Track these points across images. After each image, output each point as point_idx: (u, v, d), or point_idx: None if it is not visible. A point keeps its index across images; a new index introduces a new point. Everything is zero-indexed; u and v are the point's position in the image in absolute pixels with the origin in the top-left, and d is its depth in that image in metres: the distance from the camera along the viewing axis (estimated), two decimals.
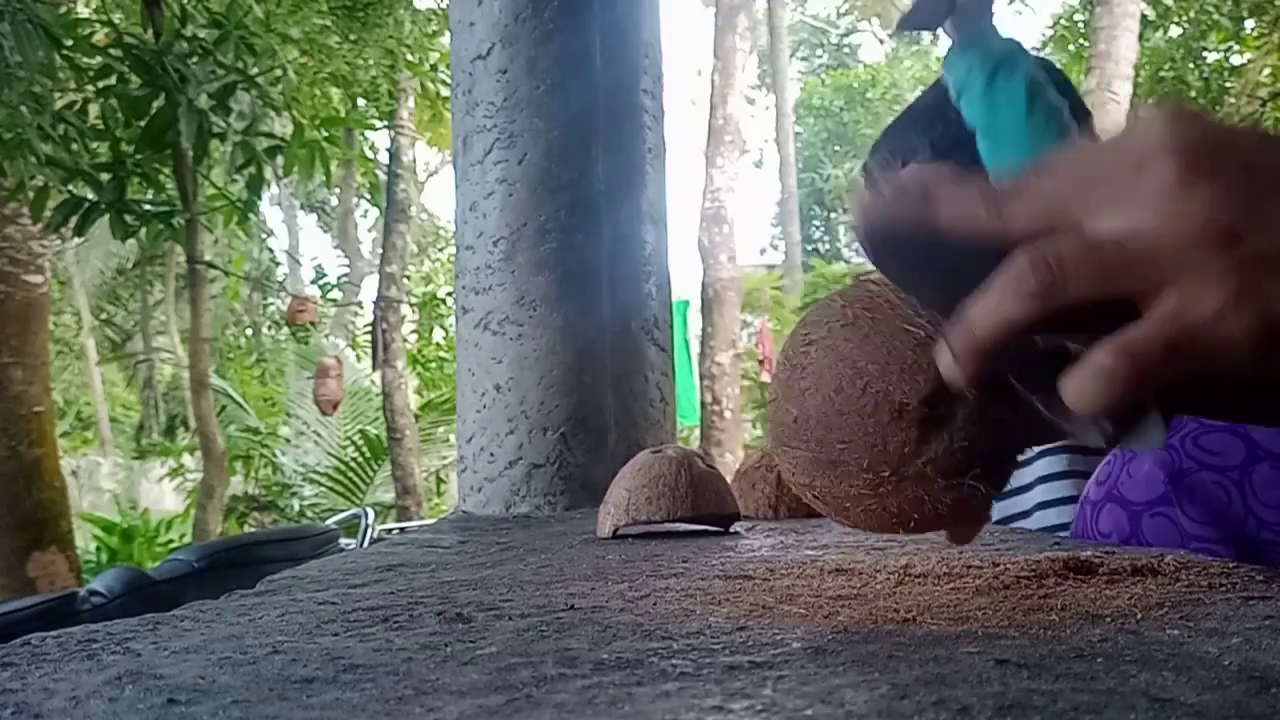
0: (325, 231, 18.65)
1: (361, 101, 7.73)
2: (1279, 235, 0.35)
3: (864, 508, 0.43)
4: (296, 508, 9.24)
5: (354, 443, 9.26)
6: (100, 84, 3.89)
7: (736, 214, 8.40)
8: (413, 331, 13.53)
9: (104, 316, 16.11)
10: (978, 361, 0.38)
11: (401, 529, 4.54)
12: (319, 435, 9.67)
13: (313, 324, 9.25)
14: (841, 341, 0.42)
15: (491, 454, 1.49)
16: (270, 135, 4.32)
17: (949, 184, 0.39)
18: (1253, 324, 0.34)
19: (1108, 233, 0.36)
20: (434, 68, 7.00)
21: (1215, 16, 8.55)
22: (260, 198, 4.46)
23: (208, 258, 6.67)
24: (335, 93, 7.01)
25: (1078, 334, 0.37)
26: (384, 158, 9.04)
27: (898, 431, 0.41)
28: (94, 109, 4.05)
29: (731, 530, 0.98)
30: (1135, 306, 0.36)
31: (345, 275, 15.39)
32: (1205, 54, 8.92)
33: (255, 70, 4.14)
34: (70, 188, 3.92)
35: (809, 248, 16.69)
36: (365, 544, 3.18)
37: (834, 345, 0.43)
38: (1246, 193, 0.35)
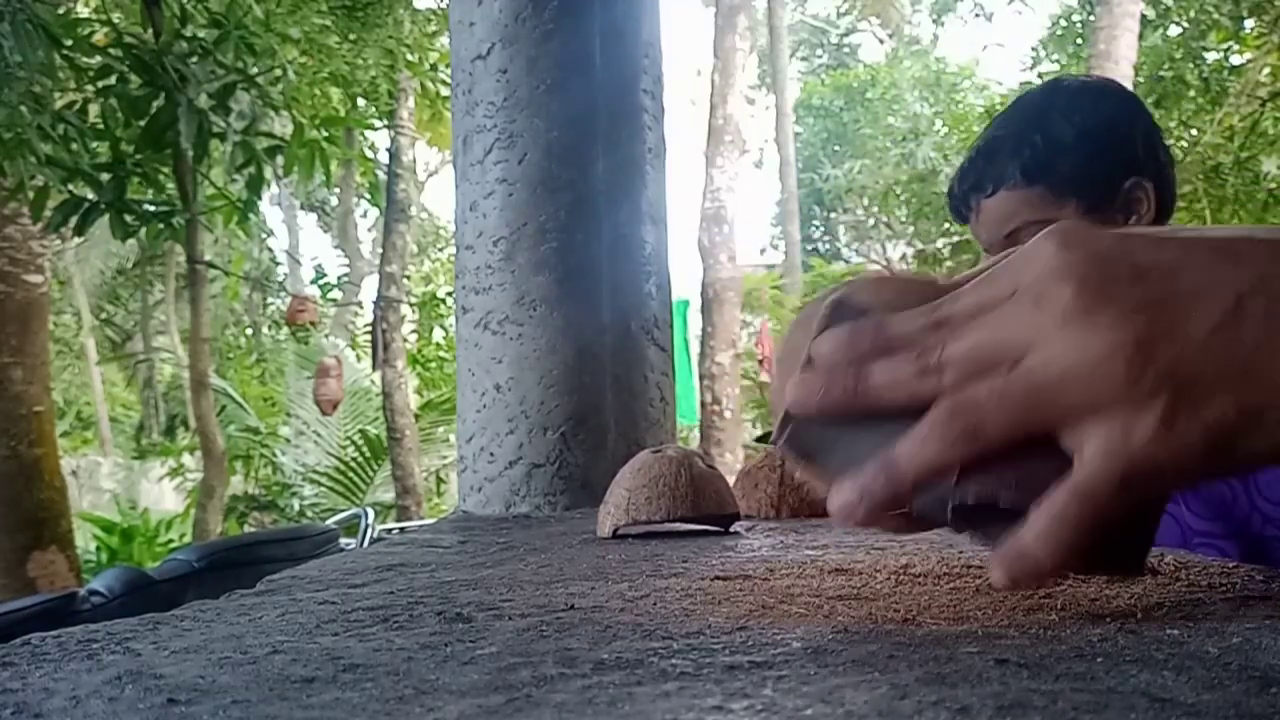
0: (325, 231, 18.66)
1: (361, 101, 7.74)
2: (1191, 338, 0.33)
3: None
4: (296, 508, 9.25)
5: (354, 443, 9.27)
6: (100, 84, 3.89)
7: (736, 214, 8.41)
8: (413, 331, 13.54)
9: (104, 316, 16.12)
10: (889, 502, 0.38)
11: (401, 529, 4.53)
12: (319, 435, 9.68)
13: (313, 324, 9.26)
14: None
15: (491, 454, 1.49)
16: (270, 135, 4.32)
17: (876, 355, 0.39)
18: (1198, 434, 0.33)
19: (1022, 371, 0.35)
20: (434, 68, 7.00)
21: (1215, 16, 8.54)
22: (260, 197, 4.46)
23: (208, 258, 6.67)
24: (335, 93, 7.02)
25: (1008, 470, 0.37)
26: (384, 158, 9.05)
27: None
28: (94, 109, 4.05)
29: (731, 530, 0.98)
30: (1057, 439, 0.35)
31: (345, 275, 15.40)
32: (1205, 54, 8.91)
33: (255, 70, 4.14)
34: (70, 188, 3.91)
35: (809, 248, 16.67)
36: (365, 544, 3.18)
37: None
38: (1147, 303, 0.34)
